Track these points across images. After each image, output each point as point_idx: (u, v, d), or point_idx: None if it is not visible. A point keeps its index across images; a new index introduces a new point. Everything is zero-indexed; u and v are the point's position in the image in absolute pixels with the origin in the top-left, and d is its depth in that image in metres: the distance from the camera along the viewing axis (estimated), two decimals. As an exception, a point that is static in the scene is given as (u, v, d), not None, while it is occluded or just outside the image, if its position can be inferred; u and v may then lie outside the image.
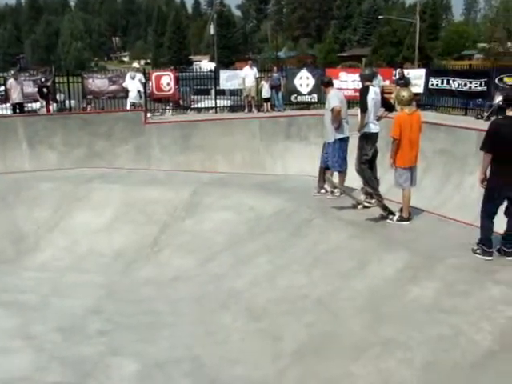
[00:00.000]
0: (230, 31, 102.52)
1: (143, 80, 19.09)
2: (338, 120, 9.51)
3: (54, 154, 15.47)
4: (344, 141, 9.68)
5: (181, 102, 22.22)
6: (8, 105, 18.06)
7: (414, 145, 8.15)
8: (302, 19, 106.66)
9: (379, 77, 18.72)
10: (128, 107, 18.14)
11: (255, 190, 10.95)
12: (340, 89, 14.52)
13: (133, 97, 18.08)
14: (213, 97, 21.38)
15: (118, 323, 7.48)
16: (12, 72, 22.16)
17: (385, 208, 8.56)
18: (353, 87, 19.17)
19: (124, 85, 18.58)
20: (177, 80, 20.72)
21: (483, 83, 18.30)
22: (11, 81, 17.53)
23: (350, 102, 14.27)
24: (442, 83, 19.79)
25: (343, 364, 5.81)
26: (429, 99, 21.05)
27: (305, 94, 20.88)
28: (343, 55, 76.92)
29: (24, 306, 8.03)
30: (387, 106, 9.30)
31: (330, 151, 9.75)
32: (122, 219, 10.74)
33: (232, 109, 21.31)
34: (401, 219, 8.35)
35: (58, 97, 19.69)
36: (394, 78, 20.51)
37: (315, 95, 20.60)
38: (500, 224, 6.74)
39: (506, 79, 17.77)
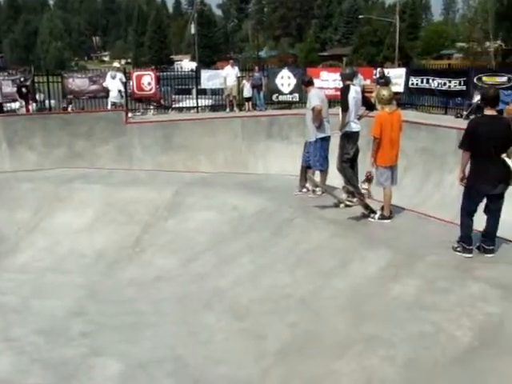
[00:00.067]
0: (210, 31, 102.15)
1: (124, 79, 19.01)
2: (319, 119, 9.54)
3: (34, 154, 15.36)
4: (325, 140, 9.71)
5: (162, 102, 22.13)
6: (-14, 105, 17.87)
7: (395, 144, 8.21)
8: (283, 18, 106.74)
9: (360, 76, 18.85)
10: (109, 107, 18.03)
11: (238, 190, 10.90)
12: (321, 88, 14.55)
13: (114, 96, 18.00)
14: (194, 96, 21.33)
15: (101, 324, 7.42)
16: (-10, 72, 21.90)
17: (366, 207, 8.61)
18: (334, 86, 19.19)
19: (104, 84, 18.50)
20: (158, 79, 20.63)
21: (462, 82, 18.54)
22: (-11, 81, 17.37)
23: (331, 101, 14.31)
24: (422, 82, 19.98)
25: (326, 362, 5.82)
26: (409, 98, 21.26)
27: (286, 94, 20.97)
28: (324, 54, 77.06)
29: (4, 308, 7.93)
30: (368, 104, 9.39)
31: (311, 150, 9.78)
32: (104, 219, 10.63)
33: (213, 108, 21.27)
34: (382, 217, 8.41)
35: (37, 96, 19.47)
36: (374, 77, 20.64)
37: (296, 94, 20.67)
38: (480, 222, 6.81)
39: (484, 78, 18.01)
